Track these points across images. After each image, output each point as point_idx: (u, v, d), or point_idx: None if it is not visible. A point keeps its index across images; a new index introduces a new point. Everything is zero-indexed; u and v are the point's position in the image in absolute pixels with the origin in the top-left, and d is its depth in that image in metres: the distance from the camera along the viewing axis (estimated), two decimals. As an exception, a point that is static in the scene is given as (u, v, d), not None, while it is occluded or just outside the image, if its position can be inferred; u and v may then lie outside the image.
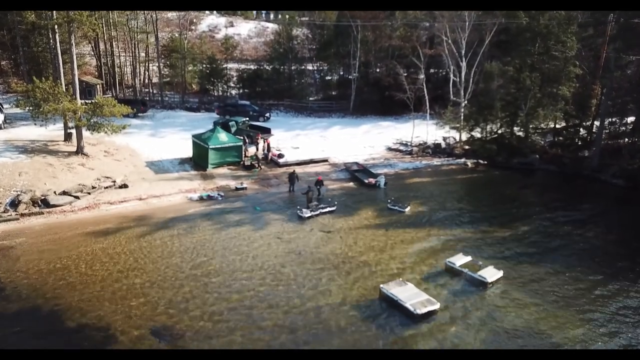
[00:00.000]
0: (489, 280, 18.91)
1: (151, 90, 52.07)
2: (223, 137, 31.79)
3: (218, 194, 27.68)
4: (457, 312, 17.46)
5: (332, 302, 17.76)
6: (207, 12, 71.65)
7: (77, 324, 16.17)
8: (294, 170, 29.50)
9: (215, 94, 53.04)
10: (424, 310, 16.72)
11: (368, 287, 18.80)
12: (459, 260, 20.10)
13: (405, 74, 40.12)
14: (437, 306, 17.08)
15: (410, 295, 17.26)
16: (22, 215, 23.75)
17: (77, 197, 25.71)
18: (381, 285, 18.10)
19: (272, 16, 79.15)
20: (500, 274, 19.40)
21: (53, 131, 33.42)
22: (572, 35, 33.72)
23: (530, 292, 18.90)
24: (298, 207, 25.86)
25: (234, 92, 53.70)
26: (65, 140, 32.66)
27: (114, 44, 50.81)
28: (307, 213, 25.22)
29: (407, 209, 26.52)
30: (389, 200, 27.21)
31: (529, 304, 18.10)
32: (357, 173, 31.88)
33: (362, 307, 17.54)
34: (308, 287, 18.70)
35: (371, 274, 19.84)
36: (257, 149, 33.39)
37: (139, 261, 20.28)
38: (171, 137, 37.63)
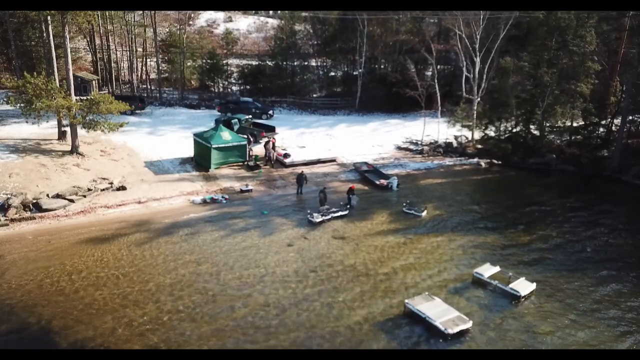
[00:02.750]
0: (522, 293, 17.37)
1: (149, 87, 50.26)
2: (226, 135, 30.09)
3: (222, 197, 26.01)
4: (492, 330, 15.88)
5: (350, 320, 16.13)
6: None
7: (71, 345, 14.55)
8: (302, 171, 27.85)
9: (216, 90, 51.28)
10: (456, 329, 15.14)
11: (390, 302, 17.18)
12: (487, 271, 18.54)
13: (414, 70, 38.49)
14: (469, 324, 15.51)
15: (440, 312, 15.67)
16: (12, 220, 22.03)
17: (71, 201, 24.01)
18: (406, 301, 16.50)
19: (271, 11, 77.20)
20: (533, 286, 17.86)
21: (46, 129, 31.76)
22: (591, 29, 32.19)
23: (566, 305, 17.40)
24: (308, 210, 24.23)
25: (235, 88, 51.93)
26: (59, 138, 30.98)
27: (110, 38, 48.95)
28: (318, 217, 23.61)
29: (424, 213, 24.94)
30: (404, 204, 25.59)
31: (566, 319, 16.61)
32: (368, 174, 30.25)
33: (384, 325, 15.91)
34: (322, 303, 17.08)
35: (392, 286, 18.22)
36: (267, 149, 31.45)
37: (139, 273, 18.60)
38: (171, 135, 35.91)
